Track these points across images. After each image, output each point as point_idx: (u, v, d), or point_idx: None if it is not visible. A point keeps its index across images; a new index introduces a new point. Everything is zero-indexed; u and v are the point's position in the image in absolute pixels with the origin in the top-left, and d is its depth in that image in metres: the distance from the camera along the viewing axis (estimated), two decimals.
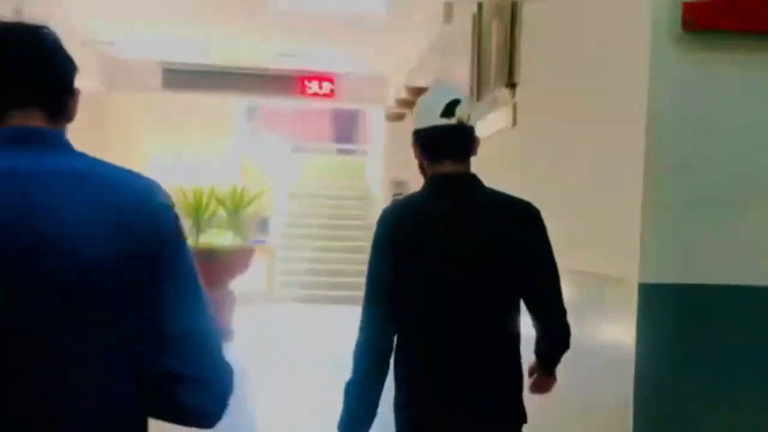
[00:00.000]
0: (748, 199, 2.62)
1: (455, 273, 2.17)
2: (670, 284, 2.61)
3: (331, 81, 11.90)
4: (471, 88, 5.37)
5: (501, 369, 2.24)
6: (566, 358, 2.44)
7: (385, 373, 2.21)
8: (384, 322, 2.20)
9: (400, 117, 10.24)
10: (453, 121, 2.20)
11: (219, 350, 1.35)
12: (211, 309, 1.35)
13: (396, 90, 10.03)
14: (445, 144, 2.22)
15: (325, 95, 12.00)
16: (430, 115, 2.21)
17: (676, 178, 2.61)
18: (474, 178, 2.26)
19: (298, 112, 26.47)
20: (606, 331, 2.93)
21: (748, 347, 2.63)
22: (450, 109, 2.19)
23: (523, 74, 4.20)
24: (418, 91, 9.04)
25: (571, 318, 2.34)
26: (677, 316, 2.64)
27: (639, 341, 2.62)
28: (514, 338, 2.27)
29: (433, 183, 2.24)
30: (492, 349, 2.22)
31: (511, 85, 4.32)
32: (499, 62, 4.52)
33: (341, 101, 12.63)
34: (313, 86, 11.93)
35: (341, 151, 21.10)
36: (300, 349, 9.16)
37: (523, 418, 2.28)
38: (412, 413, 2.22)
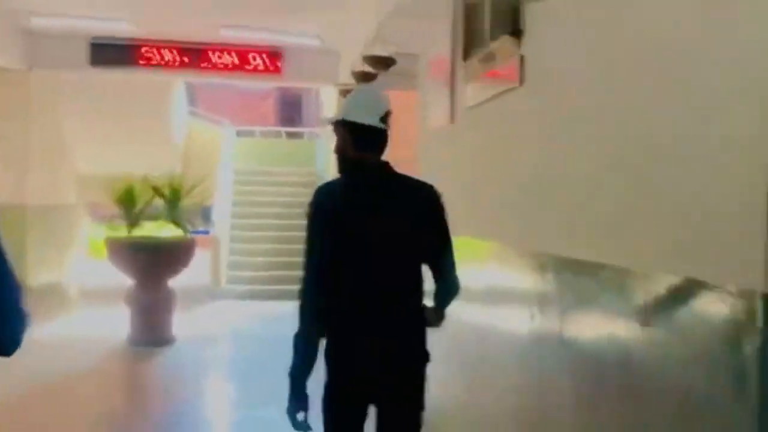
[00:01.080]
0: None
1: (377, 242, 2.71)
2: None
3: (278, 56, 10.91)
4: (453, 45, 4.47)
5: (411, 320, 2.81)
6: (667, 386, 2.07)
7: (322, 327, 2.74)
8: (322, 285, 2.71)
9: None
10: (385, 127, 2.76)
11: (13, 299, 1.87)
12: (12, 274, 1.87)
13: (352, 63, 9.07)
14: (375, 142, 2.77)
15: (271, 71, 10.99)
16: (369, 115, 2.73)
17: None
18: (388, 164, 2.81)
19: (243, 94, 25.35)
20: (718, 355, 2.03)
21: None
22: (385, 118, 2.76)
23: (532, 16, 3.30)
24: (379, 61, 8.15)
25: (674, 337, 2.05)
26: None
27: (763, 368, 1.83)
28: (421, 294, 2.84)
29: (357, 167, 2.77)
30: (405, 303, 2.79)
31: (516, 33, 3.41)
32: (497, 5, 3.62)
33: (289, 79, 11.64)
34: (259, 62, 10.92)
35: (290, 135, 20.06)
36: (250, 355, 8.21)
37: (427, 358, 2.85)
38: (340, 359, 2.76)
